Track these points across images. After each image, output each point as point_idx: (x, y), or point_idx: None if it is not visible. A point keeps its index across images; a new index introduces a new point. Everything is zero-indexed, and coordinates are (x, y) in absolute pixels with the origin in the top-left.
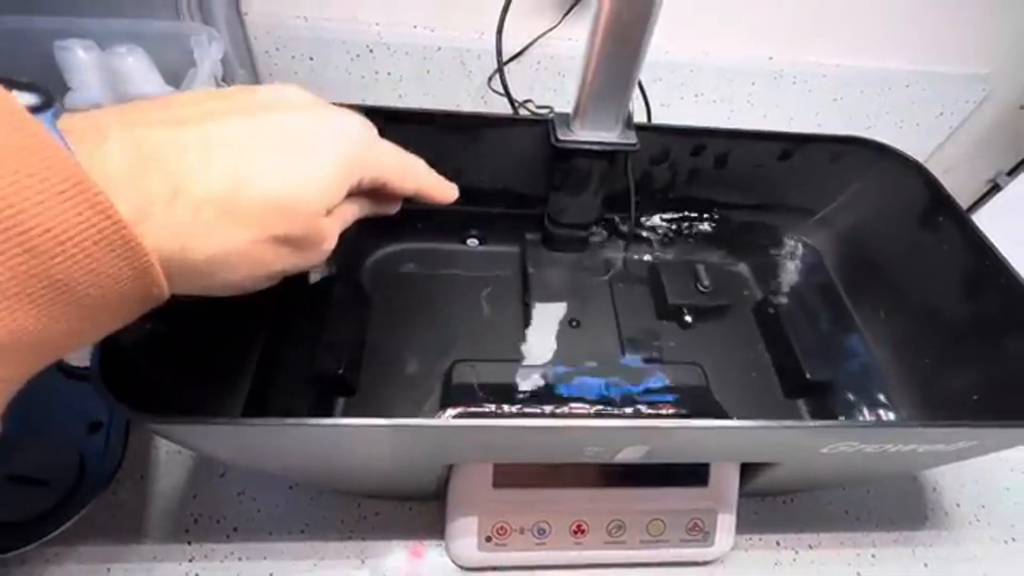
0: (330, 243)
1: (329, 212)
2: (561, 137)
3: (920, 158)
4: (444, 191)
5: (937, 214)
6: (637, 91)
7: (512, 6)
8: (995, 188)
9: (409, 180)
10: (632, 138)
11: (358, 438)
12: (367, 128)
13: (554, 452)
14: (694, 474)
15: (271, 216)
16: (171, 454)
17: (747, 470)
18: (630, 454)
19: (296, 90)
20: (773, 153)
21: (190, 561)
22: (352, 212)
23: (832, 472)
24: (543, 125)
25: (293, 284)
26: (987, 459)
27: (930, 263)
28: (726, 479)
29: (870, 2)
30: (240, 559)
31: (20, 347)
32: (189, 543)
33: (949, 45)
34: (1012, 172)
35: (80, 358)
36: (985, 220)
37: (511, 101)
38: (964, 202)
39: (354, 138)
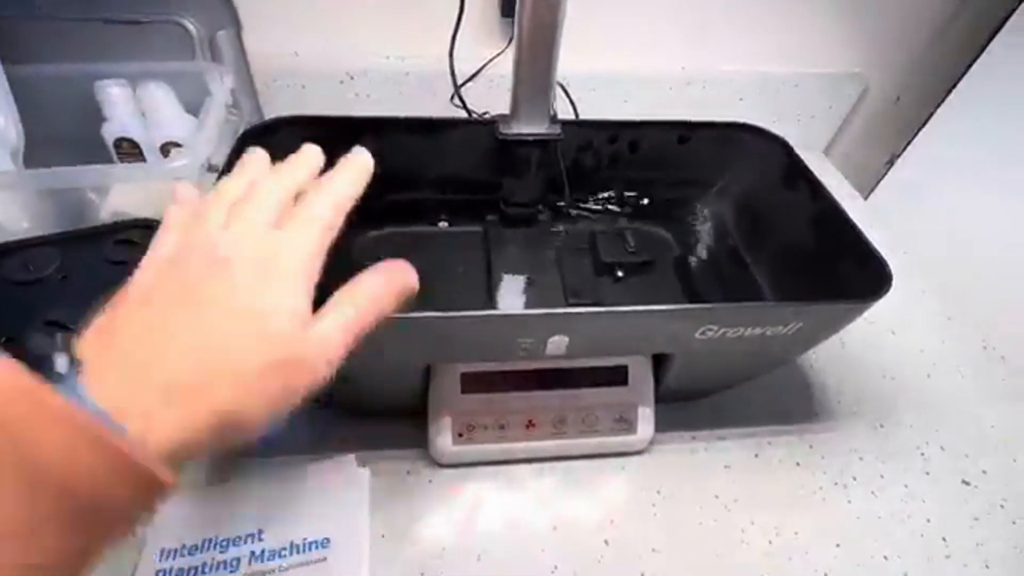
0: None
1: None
2: (503, 131)
3: (820, 145)
4: (403, 278)
5: (795, 176)
6: (564, 96)
7: (465, 35)
8: (891, 167)
9: (372, 315)
10: (557, 129)
11: None
12: (294, 321)
13: (495, 344)
14: (616, 375)
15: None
16: None
17: (658, 373)
18: (554, 347)
19: (239, 272)
20: (673, 137)
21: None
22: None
23: (718, 367)
24: (489, 124)
25: None
26: (865, 365)
27: (791, 213)
28: (642, 378)
29: (761, 17)
30: (265, 467)
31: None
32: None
33: (829, 49)
34: (901, 154)
35: None
36: (880, 194)
37: (468, 113)
38: (867, 181)
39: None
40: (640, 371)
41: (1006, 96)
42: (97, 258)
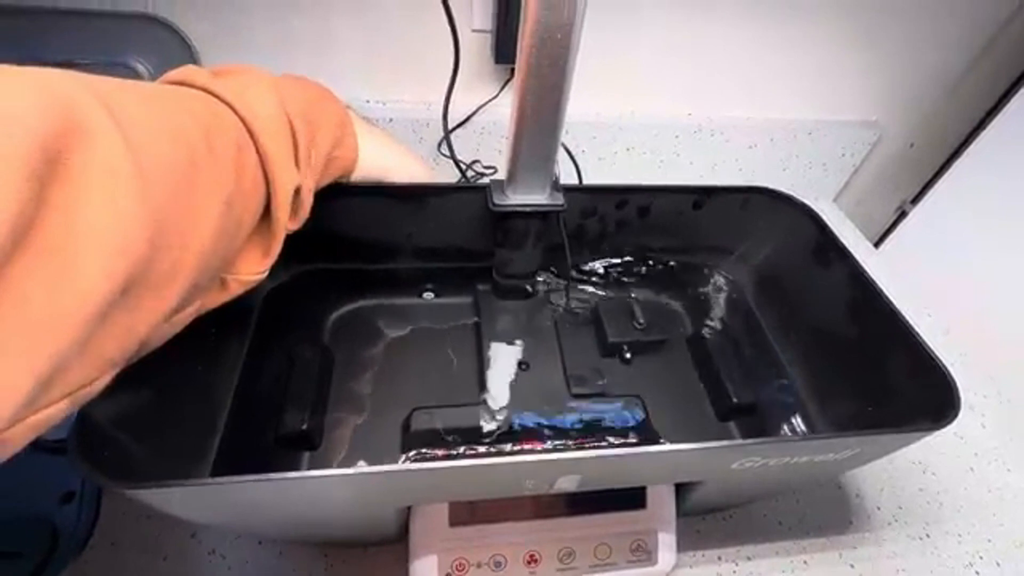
0: None
1: None
2: (497, 202)
3: (831, 193)
4: None
5: (827, 250)
6: (566, 156)
7: (445, 78)
8: (903, 215)
9: None
10: (559, 199)
11: (314, 489)
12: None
13: (496, 487)
14: (633, 498)
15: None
16: (141, 519)
17: (680, 491)
18: (565, 483)
19: None
20: (687, 203)
21: None
22: None
23: (753, 486)
24: (481, 191)
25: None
26: (902, 465)
27: (824, 293)
28: (662, 500)
29: (772, 63)
30: None
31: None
32: None
33: (843, 98)
34: (915, 200)
35: (54, 432)
36: (895, 242)
37: (457, 164)
38: (877, 227)
39: None
40: (661, 492)
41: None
42: None
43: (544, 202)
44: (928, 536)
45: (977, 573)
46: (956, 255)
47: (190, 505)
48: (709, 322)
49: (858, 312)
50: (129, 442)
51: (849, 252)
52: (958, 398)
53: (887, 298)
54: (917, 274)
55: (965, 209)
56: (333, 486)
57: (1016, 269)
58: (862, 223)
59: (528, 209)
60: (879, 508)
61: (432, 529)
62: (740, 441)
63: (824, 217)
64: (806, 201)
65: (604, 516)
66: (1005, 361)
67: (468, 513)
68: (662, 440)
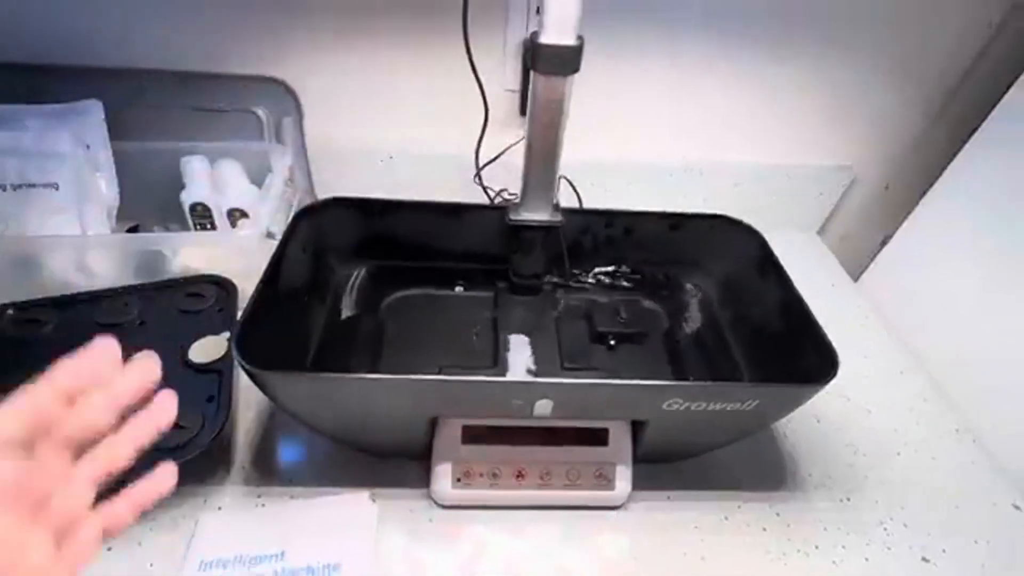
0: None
1: None
2: (512, 218)
3: (813, 227)
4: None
5: (767, 263)
6: (569, 186)
7: (488, 128)
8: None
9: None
10: (559, 217)
11: (367, 388)
12: None
13: (494, 402)
14: (597, 437)
15: None
16: (255, 417)
17: (636, 435)
18: (542, 408)
19: None
20: (666, 226)
21: (259, 492)
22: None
23: (690, 434)
24: (502, 210)
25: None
26: (837, 441)
27: (764, 298)
28: (620, 440)
29: (755, 113)
30: (292, 497)
31: None
32: (258, 475)
33: (818, 143)
34: (889, 240)
35: (200, 359)
36: (877, 270)
37: (485, 191)
38: (864, 260)
39: None
40: (620, 434)
41: (987, 190)
42: (170, 307)
43: (547, 219)
44: (849, 500)
45: (886, 530)
46: (922, 286)
47: (288, 391)
48: (681, 321)
49: (784, 310)
50: (262, 355)
51: (780, 264)
52: (836, 363)
53: (801, 297)
54: (888, 305)
55: (932, 244)
56: (379, 387)
57: (980, 296)
58: (848, 256)
59: (535, 223)
60: (811, 475)
61: (449, 445)
62: (661, 382)
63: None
64: (782, 231)
65: (575, 448)
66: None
67: (476, 435)
68: None
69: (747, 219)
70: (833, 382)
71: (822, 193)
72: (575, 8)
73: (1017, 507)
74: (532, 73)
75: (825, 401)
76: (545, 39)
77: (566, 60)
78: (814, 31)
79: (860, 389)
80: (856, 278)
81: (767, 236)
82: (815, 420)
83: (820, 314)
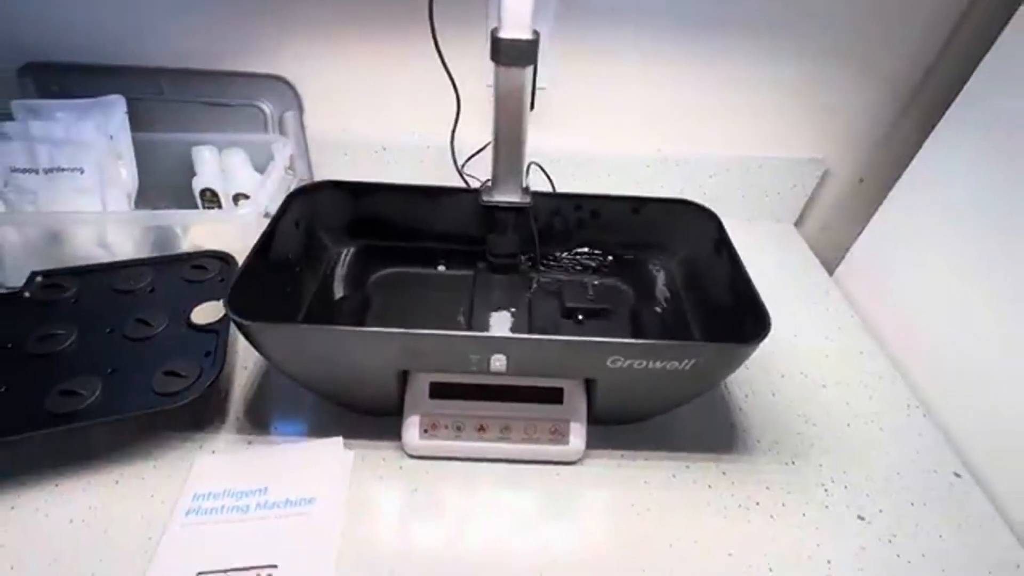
0: None
1: None
2: (485, 199)
3: (790, 218)
4: None
5: (721, 243)
6: (542, 173)
7: (472, 124)
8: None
9: None
10: (528, 199)
11: (342, 339)
12: None
13: (453, 355)
14: (553, 396)
15: None
16: (247, 370)
17: (589, 396)
18: (498, 363)
19: None
20: (628, 209)
21: (249, 439)
22: None
23: (637, 395)
24: (477, 192)
25: (327, 283)
26: (790, 412)
27: (717, 275)
28: (575, 399)
29: (731, 106)
30: (278, 443)
31: None
32: (250, 425)
33: (791, 136)
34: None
35: (200, 320)
36: (851, 259)
37: (465, 181)
38: (841, 251)
39: None
40: (574, 393)
41: (952, 179)
42: (177, 277)
43: (517, 200)
44: (794, 463)
45: (826, 491)
46: (898, 275)
47: (269, 341)
48: (646, 298)
49: (733, 284)
50: (254, 315)
51: (732, 243)
52: (767, 325)
53: (746, 271)
54: (864, 292)
55: (902, 234)
56: (350, 338)
57: (949, 288)
58: (828, 247)
59: (505, 204)
60: (759, 441)
61: (418, 399)
62: (603, 339)
63: (776, 232)
64: (760, 222)
65: (533, 405)
66: (915, 347)
67: (442, 390)
68: None
69: (723, 210)
70: (792, 360)
71: (795, 185)
72: (528, 6)
73: (958, 475)
74: (495, 65)
75: (783, 377)
76: (504, 34)
77: (523, 52)
78: (785, 28)
79: (818, 367)
80: (834, 268)
81: (745, 226)
82: (771, 394)
83: (787, 298)
